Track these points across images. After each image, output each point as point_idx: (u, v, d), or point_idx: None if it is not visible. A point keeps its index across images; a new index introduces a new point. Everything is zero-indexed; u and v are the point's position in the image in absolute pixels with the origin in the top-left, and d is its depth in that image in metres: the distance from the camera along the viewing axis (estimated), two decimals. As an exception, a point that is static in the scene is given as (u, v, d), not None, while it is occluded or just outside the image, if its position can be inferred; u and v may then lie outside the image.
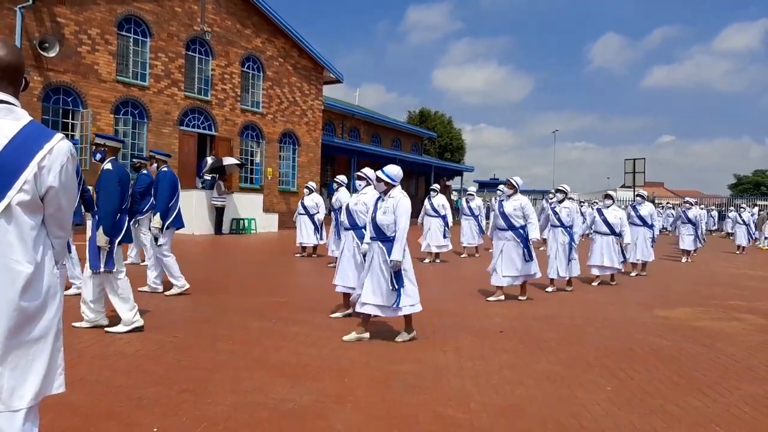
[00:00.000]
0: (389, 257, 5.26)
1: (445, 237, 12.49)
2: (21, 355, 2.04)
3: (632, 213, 11.91)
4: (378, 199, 5.56)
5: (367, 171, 6.52)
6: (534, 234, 7.76)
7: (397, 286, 5.30)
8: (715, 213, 32.42)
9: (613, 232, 9.84)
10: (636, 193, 12.17)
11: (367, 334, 5.43)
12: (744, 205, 24.34)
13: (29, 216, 2.05)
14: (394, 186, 5.50)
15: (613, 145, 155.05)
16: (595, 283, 9.70)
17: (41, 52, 14.88)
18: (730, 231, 26.88)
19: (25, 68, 2.27)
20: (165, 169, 7.72)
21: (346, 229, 6.35)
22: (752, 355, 5.49)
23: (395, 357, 4.91)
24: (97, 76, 16.22)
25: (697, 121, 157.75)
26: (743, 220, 20.41)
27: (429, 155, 40.98)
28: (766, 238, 23.11)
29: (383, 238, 5.37)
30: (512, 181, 7.88)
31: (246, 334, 5.49)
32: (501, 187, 11.98)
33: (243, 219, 19.25)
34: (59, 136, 2.11)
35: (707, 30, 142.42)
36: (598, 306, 7.88)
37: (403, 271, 5.37)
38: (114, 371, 4.24)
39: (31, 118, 2.12)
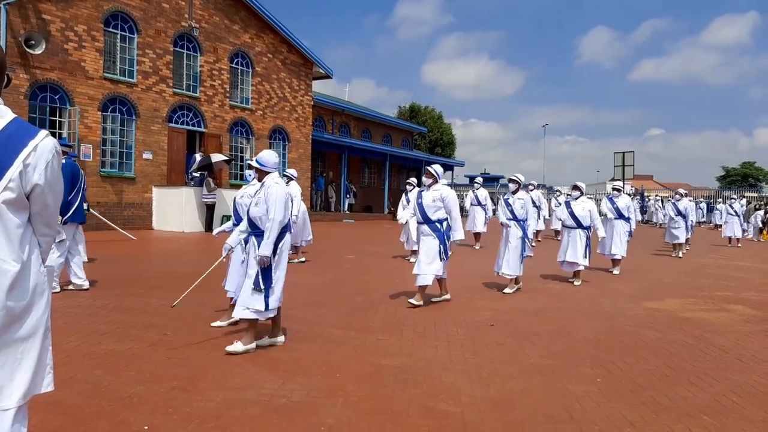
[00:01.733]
0: (257, 251, 4.76)
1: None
2: (9, 354, 2.03)
3: (609, 205, 11.27)
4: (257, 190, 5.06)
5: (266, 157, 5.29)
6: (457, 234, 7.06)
7: (263, 286, 4.75)
8: (703, 205, 32.62)
9: (580, 225, 9.12)
10: (612, 185, 11.45)
11: (253, 345, 4.79)
12: (734, 196, 23.94)
13: (15, 214, 2.03)
14: (267, 173, 4.97)
15: (603, 139, 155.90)
16: (576, 282, 9.12)
17: (27, 50, 14.71)
18: (718, 223, 27.11)
19: (7, 65, 2.24)
20: (64, 160, 7.50)
21: (234, 225, 5.82)
22: (740, 345, 5.55)
23: (386, 352, 4.92)
24: (84, 73, 16.07)
25: (685, 114, 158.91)
26: (735, 212, 19.67)
27: (419, 150, 40.99)
28: (757, 228, 23.09)
29: (257, 231, 4.87)
30: (431, 170, 7.07)
31: (237, 331, 5.47)
32: (420, 181, 12.54)
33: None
34: (44, 133, 2.09)
35: (696, 23, 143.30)
36: (589, 298, 7.92)
37: (273, 270, 4.84)
38: (104, 370, 4.22)
39: (15, 116, 2.10)
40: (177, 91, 18.68)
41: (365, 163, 32.63)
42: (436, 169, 7.14)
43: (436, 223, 6.88)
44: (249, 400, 3.69)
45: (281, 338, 5.10)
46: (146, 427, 3.24)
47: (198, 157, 18.71)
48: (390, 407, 3.65)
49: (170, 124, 18.54)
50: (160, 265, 10.32)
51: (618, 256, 10.81)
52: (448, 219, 6.95)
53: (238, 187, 20.50)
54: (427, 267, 6.83)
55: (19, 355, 2.05)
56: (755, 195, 35.52)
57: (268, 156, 5.05)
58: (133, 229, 15.97)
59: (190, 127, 19.37)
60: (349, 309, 6.66)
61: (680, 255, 14.22)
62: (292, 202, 10.37)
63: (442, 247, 6.84)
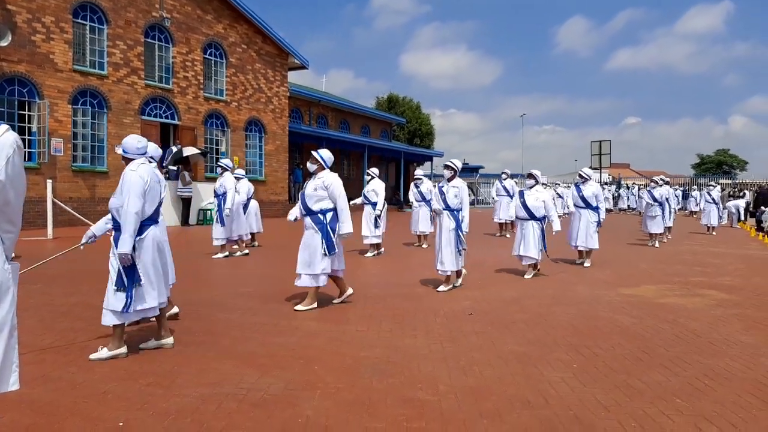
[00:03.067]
0: (115, 248, 4.39)
1: (376, 227, 11.11)
2: (-28, 354, 1.98)
3: (575, 194, 10.36)
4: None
5: (128, 142, 4.81)
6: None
7: (126, 285, 4.36)
8: (679, 192, 33.16)
9: (533, 216, 8.54)
10: (580, 171, 10.54)
11: (122, 350, 4.43)
12: (712, 184, 23.62)
13: (-25, 211, 1.97)
14: (131, 160, 4.60)
15: (581, 128, 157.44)
16: (527, 275, 8.59)
17: (-7, 42, 14.33)
18: (693, 209, 27.57)
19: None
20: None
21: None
22: (713, 329, 5.65)
23: (365, 343, 4.92)
24: (53, 65, 15.72)
25: (661, 103, 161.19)
26: (713, 199, 19.01)
27: (398, 141, 40.96)
28: (736, 216, 22.78)
29: (117, 225, 4.51)
30: (315, 155, 6.40)
31: (212, 326, 5.43)
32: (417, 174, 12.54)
33: (210, 209, 18.97)
34: (4, 127, 2.04)
35: (670, 12, 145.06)
36: (566, 286, 8.01)
37: (138, 267, 4.45)
38: (78, 367, 4.15)
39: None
40: (149, 83, 18.39)
41: (344, 154, 32.50)
42: (322, 153, 6.34)
43: (319, 215, 6.13)
44: (226, 394, 3.66)
45: (169, 340, 4.72)
46: (121, 424, 3.20)
47: (174, 149, 18.47)
48: (368, 398, 3.65)
49: (143, 117, 18.26)
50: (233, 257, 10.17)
51: (585, 248, 10.11)
52: (336, 210, 6.19)
53: (214, 179, 20.32)
54: (307, 268, 6.12)
55: (-16, 354, 2.01)
56: (729, 182, 36.27)
57: (130, 141, 4.63)
58: (108, 224, 15.69)
59: (164, 120, 19.10)
60: (326, 301, 6.64)
61: (656, 245, 13.83)
62: (224, 195, 10.25)
63: (325, 242, 6.06)
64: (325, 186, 6.17)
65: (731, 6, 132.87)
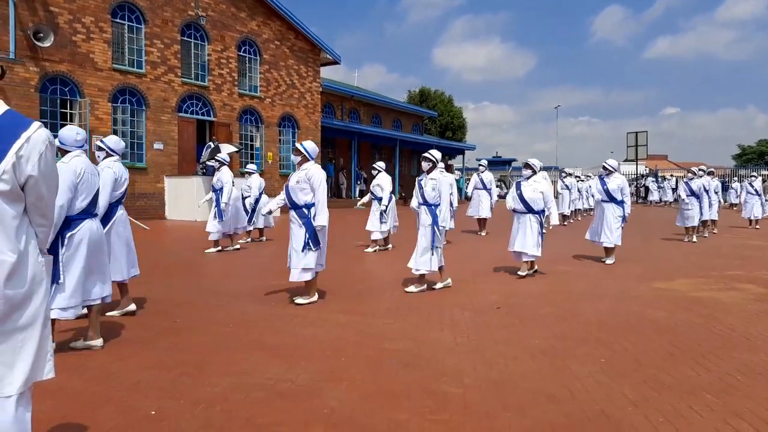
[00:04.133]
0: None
1: (382, 222, 10.68)
2: (9, 343, 2.08)
3: (599, 187, 9.75)
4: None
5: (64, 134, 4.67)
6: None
7: (61, 280, 4.26)
8: (718, 184, 32.10)
9: (531, 210, 7.91)
10: (604, 163, 9.88)
11: (99, 342, 4.48)
12: (755, 174, 21.99)
13: (10, 206, 2.07)
14: (66, 152, 4.52)
15: (617, 119, 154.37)
16: (521, 272, 7.96)
17: (36, 42, 14.83)
18: (734, 202, 26.72)
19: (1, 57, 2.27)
20: None
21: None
22: (750, 324, 5.51)
23: (390, 336, 4.95)
24: (93, 64, 16.17)
25: (700, 92, 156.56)
26: (756, 190, 17.97)
27: (430, 135, 40.83)
28: None
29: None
30: (299, 146, 6.31)
31: (243, 317, 5.55)
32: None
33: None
34: (37, 124, 2.12)
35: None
36: (596, 281, 7.90)
37: (60, 263, 4.29)
38: (112, 357, 4.30)
39: (8, 108, 2.13)
40: (185, 81, 18.75)
41: (375, 148, 32.60)
42: (306, 145, 6.21)
43: (303, 209, 6.00)
44: (254, 384, 3.74)
45: (98, 341, 4.51)
46: (153, 412, 3.31)
47: (212, 145, 18.81)
48: (392, 390, 3.69)
49: (180, 114, 18.64)
50: (170, 253, 10.44)
51: (609, 245, 9.50)
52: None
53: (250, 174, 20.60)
54: (299, 261, 6.03)
55: (19, 343, 2.11)
56: (755, 174, 35.04)
57: (68, 132, 4.56)
58: (147, 219, 16.14)
59: (200, 117, 19.46)
60: (356, 294, 6.71)
61: (694, 239, 13.02)
62: (221, 189, 10.30)
63: (309, 235, 5.97)
64: (308, 178, 6.05)
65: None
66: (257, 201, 11.86)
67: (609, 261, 9.49)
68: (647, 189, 36.67)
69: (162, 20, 17.92)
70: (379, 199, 10.70)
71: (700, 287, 7.41)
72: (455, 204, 11.72)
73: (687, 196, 13.08)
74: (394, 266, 9.05)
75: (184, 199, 17.54)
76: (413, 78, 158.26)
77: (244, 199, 11.87)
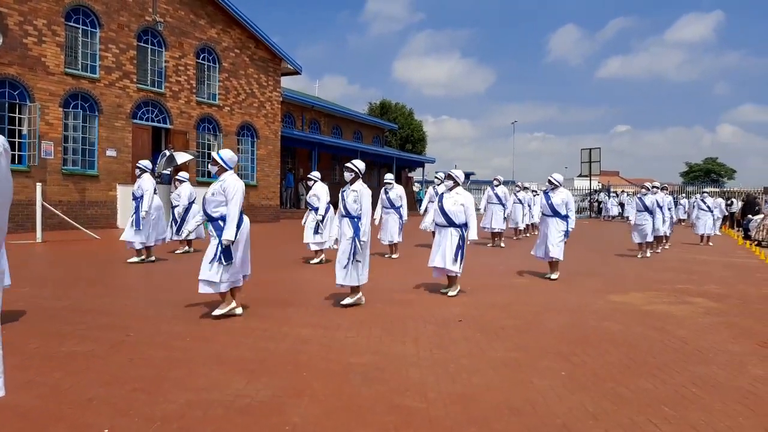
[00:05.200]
0: None
1: (317, 233, 10.51)
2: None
3: (543, 201, 9.46)
4: None
5: None
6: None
7: None
8: (671, 200, 33.08)
9: (452, 223, 7.46)
10: (549, 177, 9.48)
11: None
12: (707, 191, 21.62)
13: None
14: None
15: (571, 135, 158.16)
16: (444, 291, 7.63)
17: (-17, 44, 14.26)
18: (682, 217, 27.69)
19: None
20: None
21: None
22: (701, 337, 5.68)
23: (354, 349, 4.91)
24: (45, 68, 15.65)
25: (651, 111, 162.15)
26: (708, 207, 17.77)
27: (390, 147, 41.01)
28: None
29: None
30: (214, 156, 6.10)
31: (202, 331, 5.40)
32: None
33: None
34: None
35: (662, 21, 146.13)
36: (555, 293, 8.03)
37: None
38: (64, 372, 4.11)
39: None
40: (141, 87, 18.34)
41: (336, 159, 32.53)
42: (223, 154, 6.04)
43: (219, 221, 5.86)
44: (213, 400, 3.64)
45: None
46: (106, 430, 3.17)
47: (167, 153, 18.42)
48: (356, 404, 3.64)
49: (135, 121, 18.20)
50: (123, 265, 10.12)
51: (550, 258, 9.24)
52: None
53: (206, 184, 20.29)
54: (203, 273, 5.82)
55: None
56: (716, 190, 36.44)
57: None
58: (97, 228, 15.65)
59: (156, 124, 19.05)
60: (318, 307, 6.63)
61: (647, 254, 13.09)
62: (142, 197, 9.83)
63: (219, 249, 5.78)
64: (222, 189, 5.85)
65: (722, 15, 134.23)
66: (187, 211, 11.42)
67: (553, 276, 9.24)
68: (600, 204, 37.74)
69: (118, 25, 17.51)
70: (316, 209, 10.46)
71: (653, 301, 7.61)
72: (404, 216, 11.68)
73: (639, 211, 13.03)
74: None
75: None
76: (374, 90, 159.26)
77: (173, 208, 11.46)
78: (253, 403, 3.61)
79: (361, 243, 6.50)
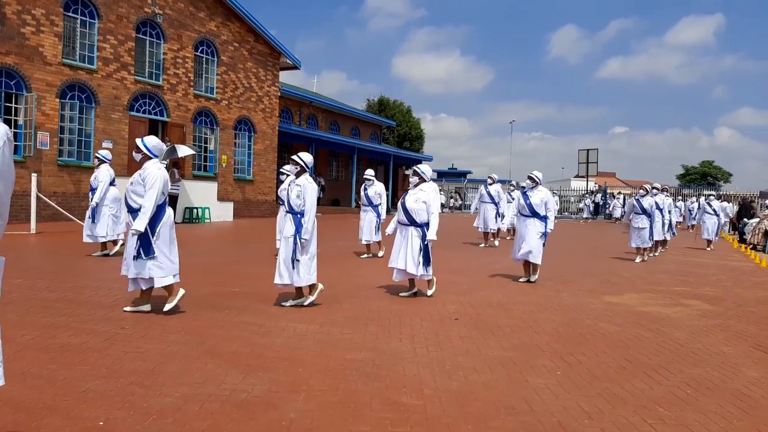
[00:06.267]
0: None
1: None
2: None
3: (521, 201, 8.86)
4: None
5: None
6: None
7: None
8: (672, 202, 32.91)
9: (413, 222, 7.04)
10: (530, 174, 8.90)
11: None
12: (713, 193, 20.76)
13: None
14: None
15: (569, 135, 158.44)
16: (403, 294, 7.25)
17: (-20, 32, 14.17)
18: (678, 220, 27.67)
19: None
20: None
21: None
22: (696, 339, 5.70)
23: (350, 345, 4.90)
24: (42, 58, 15.56)
25: (649, 113, 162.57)
26: (713, 210, 16.87)
27: (388, 144, 41.00)
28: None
29: None
30: (138, 142, 5.93)
31: (198, 325, 5.39)
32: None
33: (196, 208, 18.88)
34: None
35: (661, 23, 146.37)
36: (551, 292, 8.04)
37: None
38: (59, 364, 4.09)
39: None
40: (139, 79, 18.27)
41: (333, 156, 32.50)
42: (147, 141, 5.84)
43: (138, 212, 5.59)
44: (208, 395, 3.63)
45: None
46: (102, 423, 3.16)
47: (164, 146, 18.34)
48: (353, 401, 3.64)
49: (131, 113, 18.13)
50: (117, 257, 10.07)
51: (535, 260, 8.69)
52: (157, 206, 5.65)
53: (202, 179, 20.28)
54: (134, 269, 5.67)
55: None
56: (713, 193, 36.61)
57: None
58: (93, 220, 15.55)
59: (153, 116, 18.98)
60: (314, 302, 6.62)
61: (645, 258, 12.57)
62: (94, 190, 9.36)
63: (139, 242, 5.57)
64: (142, 178, 5.59)
65: (722, 19, 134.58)
66: None
67: (533, 279, 8.79)
68: (597, 205, 37.84)
69: (117, 16, 17.42)
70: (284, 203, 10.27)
71: (648, 302, 7.63)
72: (383, 215, 11.16)
73: (637, 213, 12.47)
74: (353, 275, 9.01)
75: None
76: (373, 86, 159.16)
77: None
78: (249, 398, 3.60)
79: (302, 241, 6.11)
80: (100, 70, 17.06)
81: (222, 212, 20.04)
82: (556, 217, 10.23)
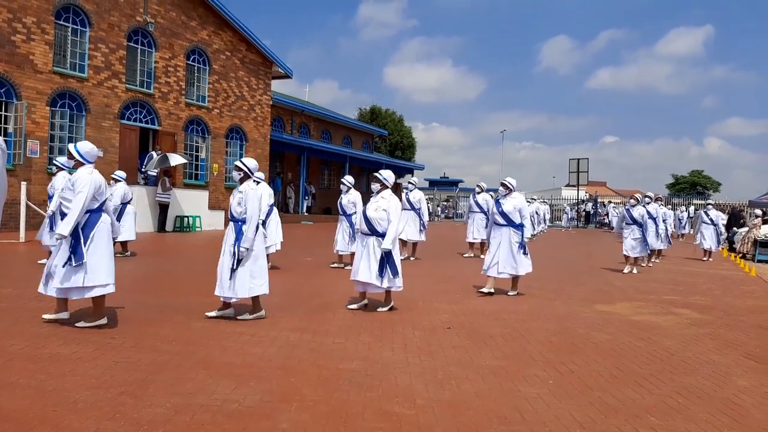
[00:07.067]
0: None
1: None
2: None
3: (494, 209, 8.50)
4: None
5: None
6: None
7: None
8: (666, 211, 32.93)
9: (374, 231, 6.70)
10: (503, 181, 8.45)
11: None
12: (711, 202, 20.09)
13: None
14: None
15: (560, 145, 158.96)
16: (352, 306, 6.88)
17: (-29, 40, 14.10)
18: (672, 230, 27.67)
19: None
20: None
21: None
22: (686, 347, 5.73)
23: (343, 355, 4.89)
24: (33, 66, 15.50)
25: (639, 122, 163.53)
26: (711, 220, 16.41)
27: (380, 153, 41.07)
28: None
29: None
30: (71, 149, 5.55)
31: (189, 335, 5.36)
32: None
33: (187, 216, 18.80)
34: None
35: (652, 34, 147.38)
36: (543, 302, 8.06)
37: None
38: (48, 374, 4.05)
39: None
40: (130, 87, 18.23)
41: (325, 164, 32.51)
42: (79, 147, 5.54)
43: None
44: (200, 405, 3.60)
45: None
46: (91, 434, 3.13)
47: (155, 155, 18.29)
48: (345, 411, 3.62)
49: (122, 121, 18.07)
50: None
51: (511, 274, 8.24)
52: (89, 211, 5.42)
53: (193, 187, 20.21)
54: (57, 279, 5.42)
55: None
56: (702, 203, 36.85)
57: None
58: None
59: (144, 125, 18.93)
60: (307, 312, 6.60)
61: (634, 270, 12.10)
62: (52, 197, 9.13)
63: (70, 249, 5.32)
64: (72, 183, 5.42)
65: (711, 30, 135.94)
66: (121, 212, 10.85)
67: (511, 293, 8.39)
68: (588, 214, 38.13)
69: (108, 24, 17.39)
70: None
71: (640, 311, 7.67)
72: (356, 224, 10.25)
73: (628, 224, 12.21)
74: (345, 284, 8.98)
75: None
76: (365, 95, 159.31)
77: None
78: (241, 408, 3.58)
79: (241, 251, 5.86)
80: (91, 78, 17.00)
81: (213, 221, 19.95)
82: (548, 226, 10.01)
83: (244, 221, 5.93)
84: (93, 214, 5.44)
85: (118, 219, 10.66)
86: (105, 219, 5.55)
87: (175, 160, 17.94)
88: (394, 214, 6.68)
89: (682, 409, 3.92)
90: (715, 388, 4.45)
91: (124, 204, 11.08)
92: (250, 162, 6.23)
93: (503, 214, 8.28)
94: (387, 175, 6.99)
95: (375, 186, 6.95)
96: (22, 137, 15.08)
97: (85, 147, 5.61)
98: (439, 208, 43.93)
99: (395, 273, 6.69)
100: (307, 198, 28.79)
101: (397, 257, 6.80)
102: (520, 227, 8.27)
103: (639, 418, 3.73)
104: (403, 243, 12.08)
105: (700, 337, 6.26)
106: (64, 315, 5.58)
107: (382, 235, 6.60)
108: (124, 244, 11.20)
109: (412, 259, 12.32)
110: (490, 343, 5.50)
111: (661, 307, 8.01)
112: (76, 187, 5.35)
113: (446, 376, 4.43)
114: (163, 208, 17.51)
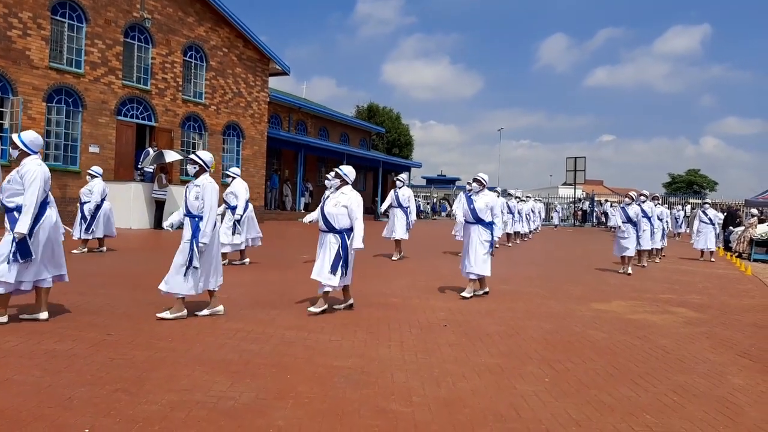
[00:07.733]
0: None
1: (235, 233, 9.85)
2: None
3: (465, 206, 8.05)
4: None
5: None
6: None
7: None
8: (663, 210, 32.97)
9: (331, 228, 6.41)
10: (476, 176, 8.01)
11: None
12: (708, 201, 19.74)
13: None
14: None
15: (557, 143, 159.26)
16: (314, 309, 6.34)
17: (-34, 35, 14.04)
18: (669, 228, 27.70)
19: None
20: None
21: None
22: (682, 346, 5.75)
23: (339, 352, 4.89)
24: (29, 62, 15.44)
25: (636, 121, 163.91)
26: (709, 220, 16.19)
27: (377, 150, 41.05)
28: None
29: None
30: (14, 139, 5.63)
31: (185, 331, 5.35)
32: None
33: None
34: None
35: (649, 32, 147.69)
36: (540, 300, 8.07)
37: None
38: (43, 371, 4.04)
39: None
40: (127, 83, 18.18)
41: (322, 162, 32.47)
42: (24, 136, 5.53)
43: (14, 212, 5.21)
44: (195, 402, 3.60)
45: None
46: (87, 430, 3.12)
47: (151, 151, 18.24)
48: (341, 408, 3.62)
49: (119, 117, 18.03)
50: (103, 262, 10.00)
51: (474, 275, 7.90)
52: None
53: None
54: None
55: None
56: (698, 202, 36.99)
57: None
58: (79, 225, 15.40)
59: (140, 121, 18.88)
60: (303, 309, 6.59)
61: (629, 270, 11.74)
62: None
63: (14, 244, 5.12)
64: (20, 176, 5.20)
65: (709, 29, 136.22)
66: (98, 208, 10.92)
67: (475, 292, 7.97)
68: (584, 213, 38.20)
69: (105, 20, 17.34)
70: (233, 209, 9.72)
71: (636, 310, 7.68)
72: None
73: (623, 222, 11.91)
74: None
75: (119, 205, 16.86)
76: (362, 93, 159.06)
77: (82, 204, 11.01)
78: (237, 405, 3.58)
79: (200, 247, 5.72)
80: (87, 74, 16.95)
81: (210, 218, 19.92)
82: (543, 224, 9.94)
83: (200, 217, 5.79)
84: (39, 207, 5.24)
85: (95, 216, 10.77)
86: (50, 213, 5.37)
87: (171, 156, 17.87)
88: (357, 210, 6.42)
89: (677, 408, 3.93)
90: (711, 386, 4.46)
91: (103, 200, 11.17)
92: (206, 155, 6.12)
93: (473, 212, 7.89)
94: (348, 170, 6.71)
95: (334, 182, 6.68)
96: (18, 133, 15.01)
97: (29, 136, 5.43)
98: (436, 206, 43.93)
99: (344, 272, 6.37)
100: (304, 195, 28.76)
101: (353, 255, 6.59)
102: (489, 226, 7.91)
103: (634, 416, 3.73)
104: (396, 243, 12.09)
105: (696, 335, 6.27)
106: (42, 313, 5.48)
107: (340, 232, 6.34)
108: (101, 240, 11.30)
109: (396, 258, 12.00)
110: (487, 341, 5.51)
111: (657, 306, 8.03)
112: (26, 179, 5.13)
113: (442, 373, 4.43)
114: (160, 205, 17.46)
